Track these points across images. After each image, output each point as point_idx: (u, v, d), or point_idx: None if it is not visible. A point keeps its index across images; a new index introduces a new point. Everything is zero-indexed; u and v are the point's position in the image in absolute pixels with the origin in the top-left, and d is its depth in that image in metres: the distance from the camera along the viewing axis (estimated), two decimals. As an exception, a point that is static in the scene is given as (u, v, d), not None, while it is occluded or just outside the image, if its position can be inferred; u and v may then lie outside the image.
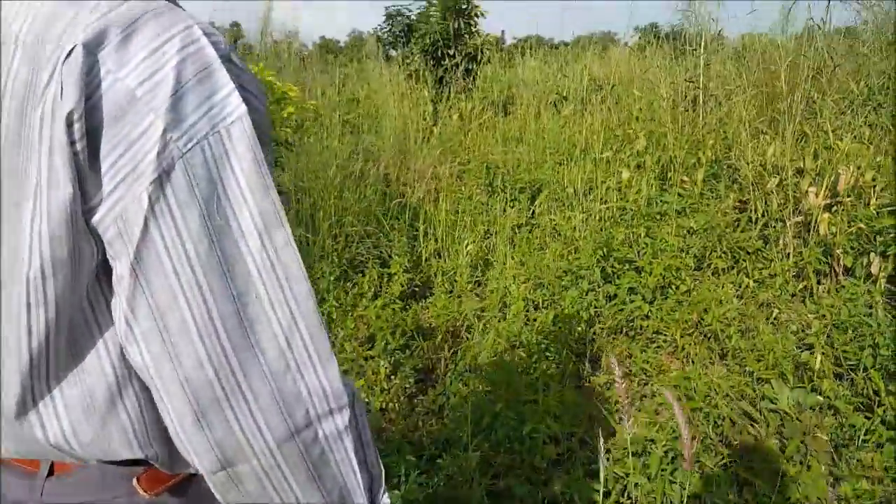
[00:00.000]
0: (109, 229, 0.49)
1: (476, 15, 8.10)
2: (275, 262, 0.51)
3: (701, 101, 5.59)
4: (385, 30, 10.08)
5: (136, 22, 0.48)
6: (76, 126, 0.46)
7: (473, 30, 8.08)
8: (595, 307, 3.14)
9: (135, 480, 0.60)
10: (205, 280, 0.49)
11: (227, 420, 0.51)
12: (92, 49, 0.46)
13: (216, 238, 0.49)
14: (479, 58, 8.08)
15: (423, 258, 3.83)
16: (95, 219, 0.48)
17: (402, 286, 3.40)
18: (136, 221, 0.47)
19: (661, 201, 4.26)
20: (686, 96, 5.82)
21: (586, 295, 3.09)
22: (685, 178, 4.58)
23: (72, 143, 0.46)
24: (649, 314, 3.11)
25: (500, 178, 5.00)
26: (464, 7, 8.04)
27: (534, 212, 4.67)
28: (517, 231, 4.41)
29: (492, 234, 4.07)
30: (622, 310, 3.16)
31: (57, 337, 0.51)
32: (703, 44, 5.64)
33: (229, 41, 0.54)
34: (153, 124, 0.47)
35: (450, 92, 7.66)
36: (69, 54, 0.46)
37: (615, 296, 3.21)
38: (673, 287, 3.28)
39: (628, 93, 5.94)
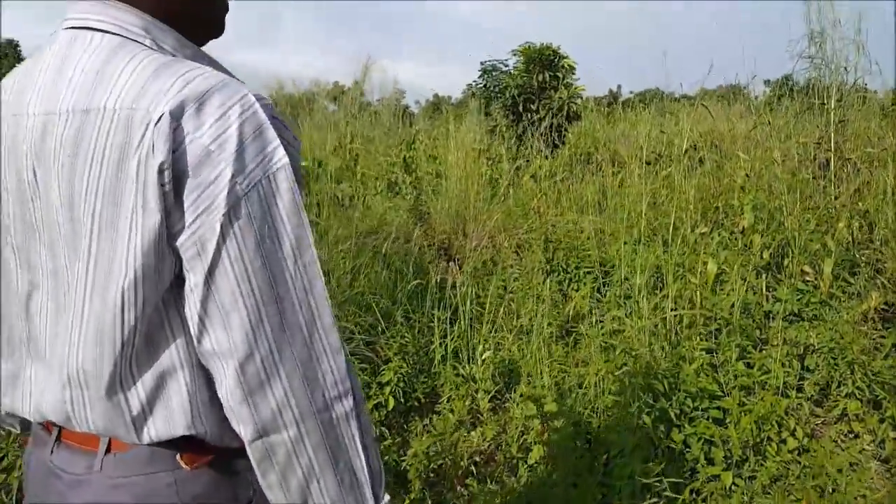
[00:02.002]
0: (189, 249, 0.64)
1: (564, 67, 7.32)
2: (303, 274, 0.68)
3: (832, 168, 4.41)
4: (480, 85, 9.51)
5: (206, 94, 0.64)
6: (165, 172, 0.62)
7: (561, 83, 7.30)
8: (645, 466, 2.12)
9: (178, 456, 0.71)
10: (258, 288, 0.65)
11: (266, 397, 0.66)
12: (176, 116, 0.63)
13: (266, 257, 0.66)
14: (566, 112, 7.25)
15: (438, 359, 2.97)
16: (178, 241, 0.64)
17: (397, 400, 2.57)
18: (211, 244, 0.63)
19: (771, 298, 3.16)
20: (814, 160, 4.65)
21: (633, 451, 2.08)
22: (806, 269, 3.43)
23: (161, 184, 0.62)
24: (733, 489, 2.05)
25: (563, 254, 4.08)
26: (551, 59, 7.30)
27: (596, 300, 3.69)
28: (569, 329, 3.46)
29: (530, 331, 3.14)
30: (692, 476, 2.12)
31: (140, 330, 0.66)
32: (836, 96, 4.50)
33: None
34: (224, 171, 0.63)
35: (529, 150, 6.87)
36: (158, 120, 0.62)
37: (681, 453, 2.18)
38: (774, 444, 2.20)
39: (735, 154, 4.85)
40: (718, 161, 5.30)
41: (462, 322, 3.03)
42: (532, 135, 6.96)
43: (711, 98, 8.71)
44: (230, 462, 0.74)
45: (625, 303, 3.42)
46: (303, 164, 5.43)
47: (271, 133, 0.67)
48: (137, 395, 0.68)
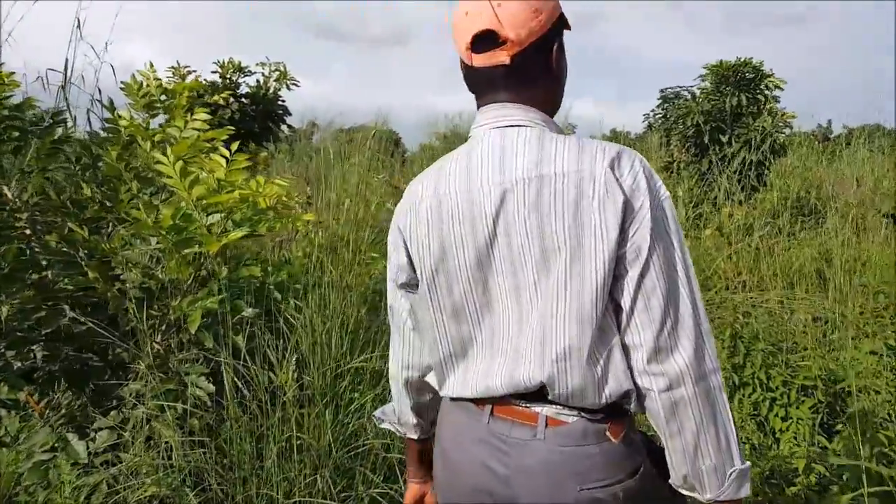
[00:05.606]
0: (630, 254, 0.89)
1: (767, 87, 5.71)
2: (686, 270, 0.92)
3: None
4: (658, 115, 8.04)
5: (618, 154, 0.91)
6: (625, 206, 0.88)
7: (763, 108, 5.70)
8: None
9: (607, 431, 0.93)
10: (666, 279, 0.89)
11: (672, 359, 0.89)
12: (610, 168, 0.90)
13: (668, 259, 0.90)
14: (770, 146, 5.63)
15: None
16: (622, 251, 0.89)
17: None
18: (644, 249, 0.89)
19: None
20: None
21: None
22: None
23: (623, 213, 0.88)
24: None
25: (759, 359, 2.68)
26: (749, 78, 5.74)
27: (819, 445, 2.27)
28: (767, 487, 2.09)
29: None
30: None
31: (601, 317, 0.90)
32: None
33: None
34: (644, 202, 0.89)
35: (717, 193, 5.38)
36: (604, 174, 0.89)
37: None
38: None
39: None
40: None
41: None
42: (721, 173, 5.47)
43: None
44: (632, 435, 0.96)
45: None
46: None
47: (657, 176, 0.93)
48: (599, 364, 0.92)
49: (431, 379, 1.12)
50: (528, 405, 0.96)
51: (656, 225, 0.89)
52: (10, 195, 2.31)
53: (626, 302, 0.90)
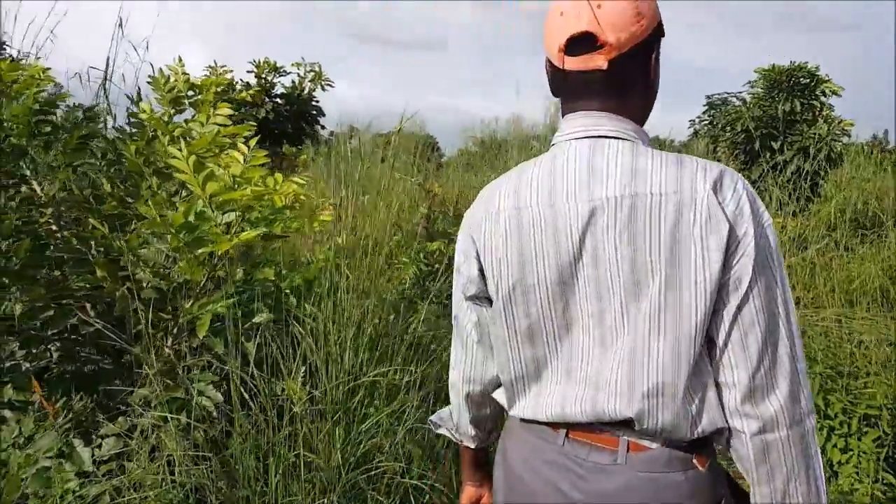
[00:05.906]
0: (730, 284, 0.83)
1: (823, 93, 5.39)
2: (786, 301, 0.86)
3: None
4: (705, 122, 7.76)
5: (720, 175, 0.85)
6: (729, 235, 0.82)
7: (819, 115, 5.38)
8: None
9: (694, 458, 0.88)
10: (766, 316, 0.84)
11: (768, 399, 0.83)
12: (713, 192, 0.84)
13: (769, 288, 0.84)
14: (826, 155, 5.30)
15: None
16: (723, 279, 0.84)
17: None
18: (745, 281, 0.83)
19: None
20: None
21: None
22: None
23: (727, 240, 0.82)
24: None
25: (816, 383, 2.44)
26: (804, 83, 5.42)
27: (885, 482, 2.03)
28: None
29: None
30: None
31: (696, 356, 0.85)
32: None
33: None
34: (748, 229, 0.83)
35: (769, 203, 5.09)
36: (706, 197, 0.83)
37: None
38: None
39: None
40: None
41: None
42: (773, 182, 5.18)
43: None
44: (717, 465, 0.91)
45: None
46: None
47: (759, 199, 0.87)
48: (694, 401, 0.86)
49: (500, 397, 1.05)
50: (608, 429, 0.90)
51: (759, 254, 0.84)
52: (38, 190, 2.27)
53: (720, 336, 0.85)
